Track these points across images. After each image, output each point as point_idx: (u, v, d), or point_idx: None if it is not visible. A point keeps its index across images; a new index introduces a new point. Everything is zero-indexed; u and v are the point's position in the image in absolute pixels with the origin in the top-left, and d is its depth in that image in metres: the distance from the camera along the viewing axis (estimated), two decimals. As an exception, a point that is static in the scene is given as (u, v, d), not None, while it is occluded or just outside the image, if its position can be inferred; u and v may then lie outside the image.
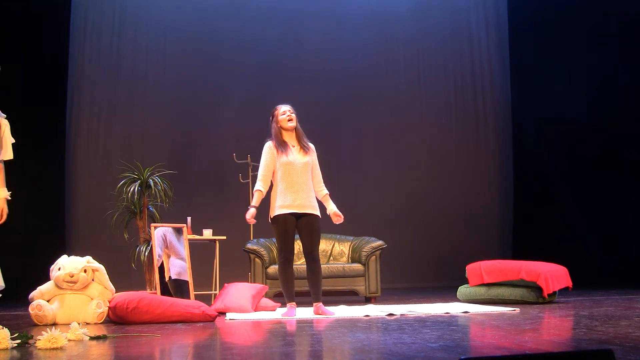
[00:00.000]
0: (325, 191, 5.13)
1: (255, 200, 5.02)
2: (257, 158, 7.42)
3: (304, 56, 9.54)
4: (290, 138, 5.09)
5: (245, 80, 9.41)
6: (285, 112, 5.07)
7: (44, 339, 3.34)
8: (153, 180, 6.54)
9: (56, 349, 3.31)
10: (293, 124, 5.07)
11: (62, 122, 8.78)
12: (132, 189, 6.46)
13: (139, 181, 6.51)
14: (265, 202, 5.07)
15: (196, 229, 6.59)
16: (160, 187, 6.54)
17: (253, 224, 5.11)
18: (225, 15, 9.48)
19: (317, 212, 5.02)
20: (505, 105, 9.89)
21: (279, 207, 4.96)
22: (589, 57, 9.16)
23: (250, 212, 5.00)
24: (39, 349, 3.32)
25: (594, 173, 8.98)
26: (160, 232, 5.96)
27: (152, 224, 6.02)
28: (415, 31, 9.85)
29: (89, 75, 9.08)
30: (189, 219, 6.48)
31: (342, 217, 5.07)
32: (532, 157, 9.33)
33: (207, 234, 6.55)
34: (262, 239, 6.74)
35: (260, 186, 5.01)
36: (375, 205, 9.29)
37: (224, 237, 6.61)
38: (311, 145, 5.15)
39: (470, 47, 9.97)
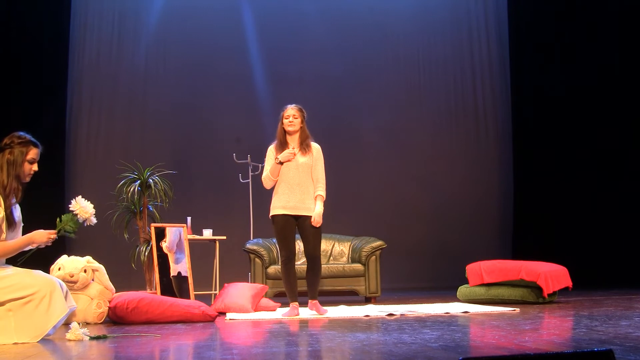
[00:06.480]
0: (318, 192, 5.02)
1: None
2: (256, 158, 7.49)
3: (304, 56, 9.53)
4: (292, 140, 5.11)
5: (246, 80, 9.40)
6: (288, 117, 5.08)
7: (44, 339, 3.34)
8: (153, 180, 6.54)
9: (56, 349, 3.31)
10: (292, 128, 5.08)
11: (62, 122, 8.76)
12: (132, 189, 6.46)
13: (139, 181, 6.51)
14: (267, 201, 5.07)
15: (196, 229, 6.59)
16: (160, 187, 6.54)
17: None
18: (225, 15, 9.47)
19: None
20: (505, 105, 9.86)
21: (274, 207, 5.02)
22: (590, 56, 9.16)
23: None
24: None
25: (594, 173, 8.97)
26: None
27: (152, 224, 6.02)
28: (415, 31, 9.83)
29: (89, 75, 9.06)
30: (189, 219, 6.48)
31: (318, 223, 4.95)
32: (532, 157, 9.31)
33: (207, 234, 6.55)
34: (262, 239, 6.74)
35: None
36: (376, 205, 9.28)
37: (224, 237, 6.61)
38: (315, 146, 5.13)
39: (470, 47, 9.95)
